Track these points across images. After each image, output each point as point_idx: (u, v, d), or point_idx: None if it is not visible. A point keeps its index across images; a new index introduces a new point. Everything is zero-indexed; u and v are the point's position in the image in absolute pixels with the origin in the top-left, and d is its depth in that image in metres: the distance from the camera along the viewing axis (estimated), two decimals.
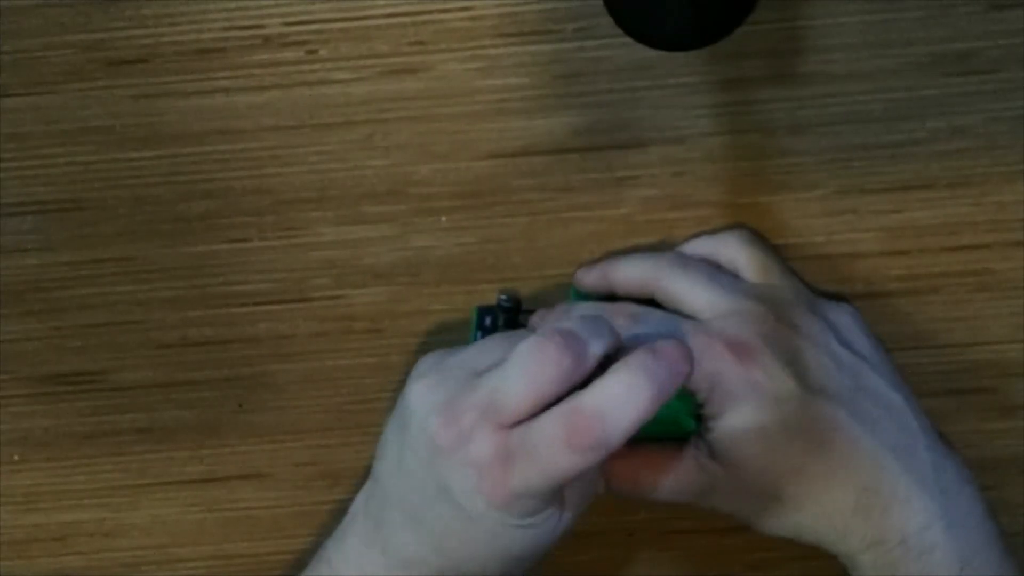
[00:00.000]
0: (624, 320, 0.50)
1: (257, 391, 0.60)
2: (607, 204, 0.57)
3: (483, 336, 0.55)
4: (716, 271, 0.54)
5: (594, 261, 0.57)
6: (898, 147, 0.56)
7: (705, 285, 0.52)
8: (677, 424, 0.51)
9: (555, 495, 0.45)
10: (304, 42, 0.55)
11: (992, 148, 0.56)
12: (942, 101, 0.55)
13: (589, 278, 0.56)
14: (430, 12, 0.54)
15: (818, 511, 0.49)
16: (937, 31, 0.54)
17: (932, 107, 0.55)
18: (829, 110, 0.55)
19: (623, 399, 0.42)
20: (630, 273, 0.55)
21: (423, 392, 0.46)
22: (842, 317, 0.54)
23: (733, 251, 0.55)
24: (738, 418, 0.49)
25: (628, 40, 0.48)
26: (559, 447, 0.42)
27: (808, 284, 0.57)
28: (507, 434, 0.43)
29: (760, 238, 0.56)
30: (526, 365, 0.43)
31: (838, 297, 0.57)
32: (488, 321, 0.56)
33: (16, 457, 0.60)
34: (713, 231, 0.56)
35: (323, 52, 0.55)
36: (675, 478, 0.51)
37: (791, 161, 0.56)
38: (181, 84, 0.55)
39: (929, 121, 0.55)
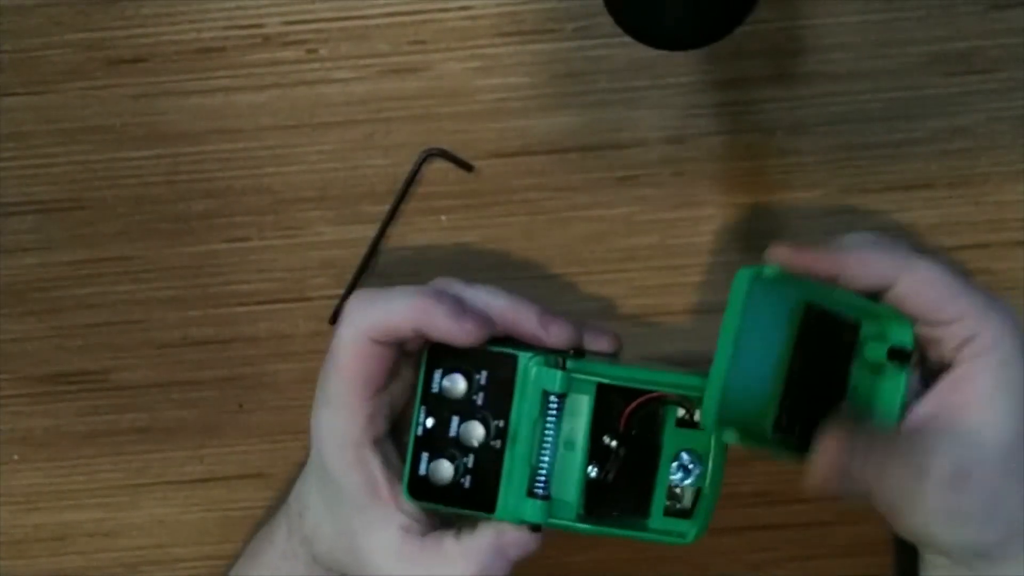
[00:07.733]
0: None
1: (257, 391, 0.60)
2: (607, 204, 0.57)
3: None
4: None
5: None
6: (898, 147, 0.56)
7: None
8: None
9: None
10: (304, 42, 0.55)
11: (992, 148, 0.56)
12: (942, 101, 0.55)
13: (819, 264, 0.47)
14: (430, 12, 0.54)
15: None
16: (937, 31, 0.54)
17: (932, 107, 0.55)
18: (829, 110, 0.55)
19: None
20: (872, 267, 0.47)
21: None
22: None
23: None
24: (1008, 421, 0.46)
25: (628, 40, 0.48)
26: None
27: None
28: None
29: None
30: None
31: None
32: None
33: (16, 457, 0.60)
34: (884, 250, 0.48)
35: (323, 52, 0.55)
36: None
37: (791, 161, 0.56)
38: (181, 84, 0.55)
39: (929, 121, 0.55)
